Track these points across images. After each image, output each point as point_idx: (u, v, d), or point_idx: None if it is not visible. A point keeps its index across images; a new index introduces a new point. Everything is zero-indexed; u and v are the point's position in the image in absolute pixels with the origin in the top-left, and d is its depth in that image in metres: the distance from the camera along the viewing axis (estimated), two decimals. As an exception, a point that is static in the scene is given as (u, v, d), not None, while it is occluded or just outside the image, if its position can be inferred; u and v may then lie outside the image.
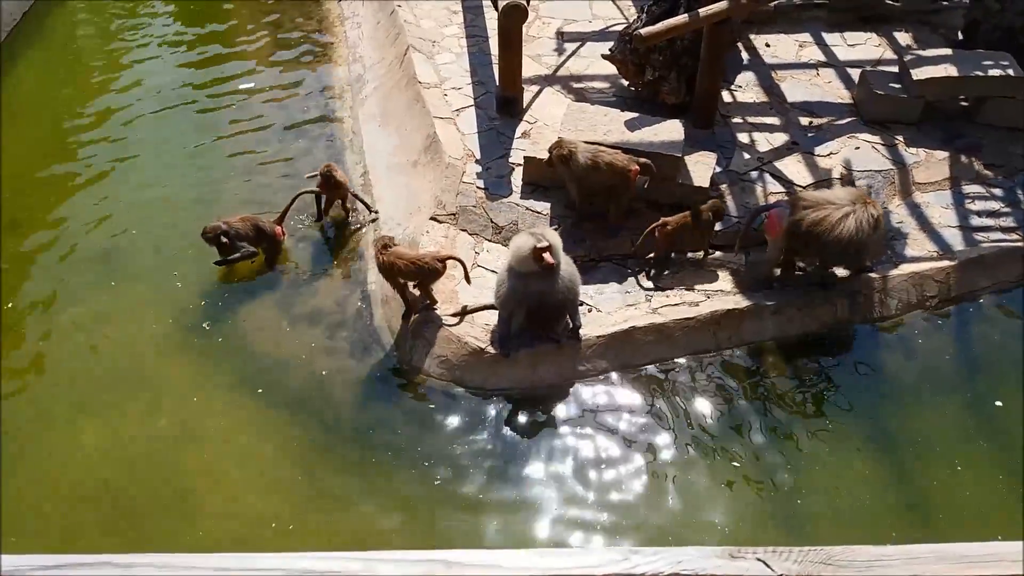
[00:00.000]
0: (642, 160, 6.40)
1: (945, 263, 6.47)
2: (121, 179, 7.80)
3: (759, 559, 1.67)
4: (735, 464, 5.41)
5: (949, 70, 7.39)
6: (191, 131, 8.41)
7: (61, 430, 5.67)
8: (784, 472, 5.37)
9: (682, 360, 6.03)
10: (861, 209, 5.91)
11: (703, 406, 5.76)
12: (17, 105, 8.76)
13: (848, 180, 6.97)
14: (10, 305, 6.49)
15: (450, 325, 6.03)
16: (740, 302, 6.19)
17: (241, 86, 9.03)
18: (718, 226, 6.59)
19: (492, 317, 6.04)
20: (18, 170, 7.87)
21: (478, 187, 6.97)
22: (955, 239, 6.71)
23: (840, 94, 7.99)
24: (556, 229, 6.51)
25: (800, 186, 6.98)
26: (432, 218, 6.74)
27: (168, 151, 8.16)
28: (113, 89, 9.07)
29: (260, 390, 5.90)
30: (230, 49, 9.72)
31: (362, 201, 7.18)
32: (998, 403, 5.73)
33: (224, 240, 6.51)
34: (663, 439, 5.56)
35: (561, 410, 5.77)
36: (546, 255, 5.46)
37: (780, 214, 6.05)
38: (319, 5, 10.53)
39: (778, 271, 6.38)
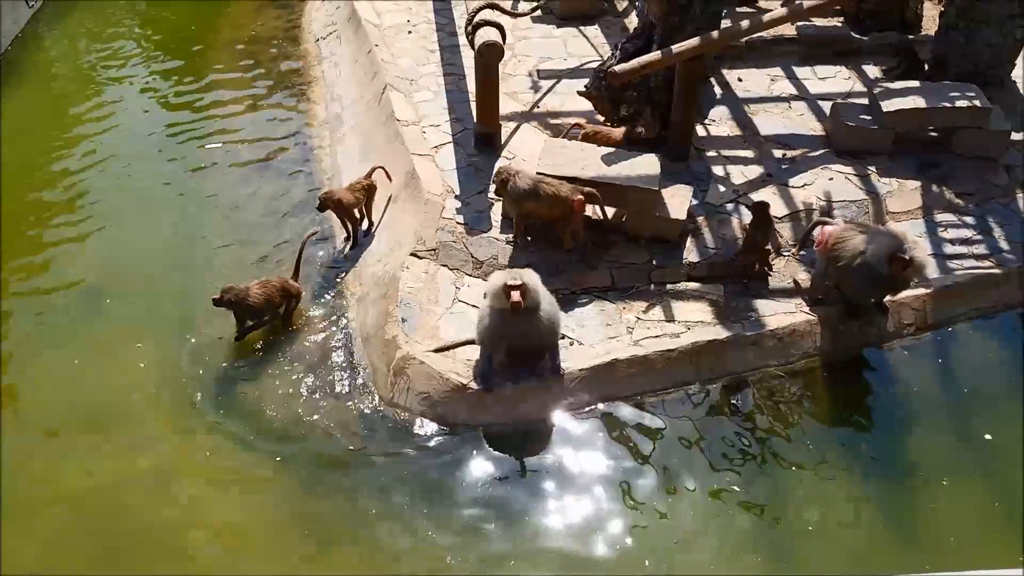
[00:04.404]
0: (586, 190, 6.48)
1: (921, 291, 6.54)
2: (99, 220, 7.76)
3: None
4: (725, 495, 5.39)
5: (917, 102, 7.55)
6: (166, 172, 8.40)
7: (42, 468, 5.58)
8: (771, 499, 5.36)
9: (665, 391, 6.02)
10: (884, 241, 5.86)
11: (687, 436, 5.74)
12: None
13: (826, 211, 7.07)
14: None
15: (430, 362, 5.99)
16: (720, 333, 6.21)
17: (216, 127, 9.05)
18: (695, 257, 6.67)
19: (474, 352, 6.02)
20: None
21: (458, 222, 6.98)
22: (930, 267, 6.78)
23: (812, 126, 8.13)
24: (535, 264, 6.54)
25: (776, 217, 7.06)
26: (412, 254, 6.74)
27: (144, 191, 8.14)
28: (88, 129, 9.07)
29: (240, 430, 5.82)
30: (207, 89, 9.76)
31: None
32: (987, 436, 5.74)
33: (246, 304, 6.28)
34: (648, 472, 5.53)
35: (545, 445, 5.72)
36: (514, 293, 5.45)
37: (830, 230, 6.15)
38: (297, 46, 10.61)
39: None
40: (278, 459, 5.64)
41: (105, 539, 5.21)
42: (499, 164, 6.71)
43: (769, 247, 6.73)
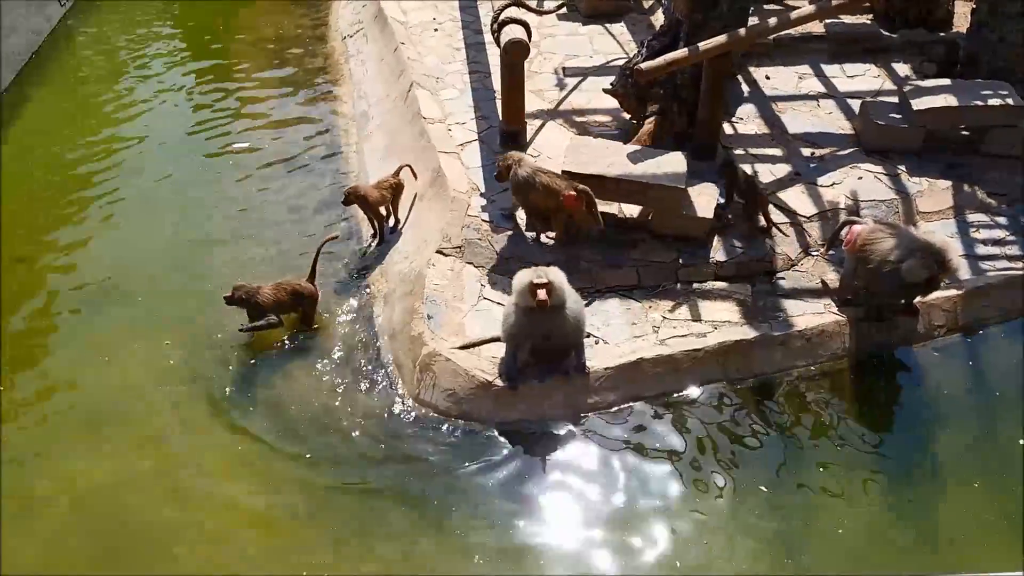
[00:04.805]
0: (580, 187, 6.48)
1: (952, 292, 6.45)
2: (124, 216, 7.85)
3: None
4: (752, 495, 5.35)
5: (948, 100, 7.46)
6: (193, 169, 8.47)
7: (57, 465, 5.64)
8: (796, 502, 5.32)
9: (692, 391, 5.99)
10: (918, 252, 5.76)
11: (715, 438, 5.71)
12: (24, 145, 8.83)
13: (854, 211, 7.00)
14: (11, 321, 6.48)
15: (456, 359, 6.00)
16: (747, 333, 6.17)
17: (243, 125, 9.13)
18: (722, 256, 6.65)
19: (499, 350, 6.02)
20: (22, 209, 7.92)
21: (483, 220, 6.99)
22: (961, 268, 6.70)
23: (841, 125, 8.05)
24: (561, 262, 6.53)
25: (804, 216, 7.01)
26: (438, 251, 6.75)
27: (169, 189, 8.22)
28: (117, 128, 9.16)
29: (265, 425, 5.87)
30: (235, 87, 9.83)
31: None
32: (1022, 442, 5.66)
33: (254, 302, 6.32)
34: (673, 471, 5.51)
35: (570, 443, 5.71)
36: (540, 292, 5.46)
37: (858, 230, 6.10)
38: (324, 44, 10.67)
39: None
40: (307, 456, 5.66)
41: (125, 535, 5.25)
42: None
43: (758, 202, 6.81)
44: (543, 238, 6.84)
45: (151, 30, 11.19)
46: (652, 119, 7.49)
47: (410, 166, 7.44)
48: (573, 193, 6.46)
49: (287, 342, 6.48)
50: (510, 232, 6.90)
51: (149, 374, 6.25)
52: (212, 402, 6.03)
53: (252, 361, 6.34)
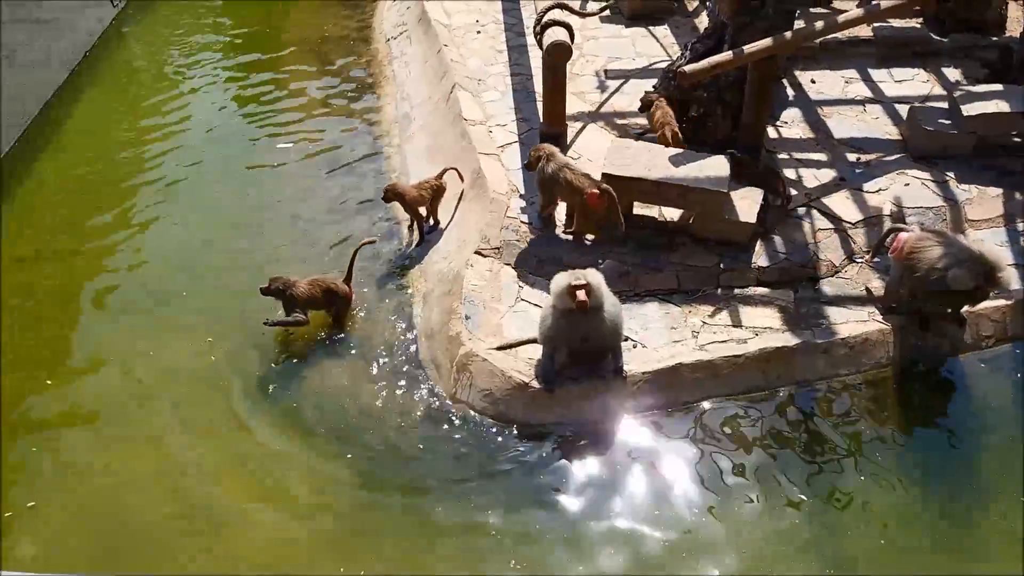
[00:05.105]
0: (603, 186, 6.48)
1: (1001, 302, 6.29)
2: (167, 212, 8.00)
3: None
4: (791, 503, 5.28)
5: (1000, 106, 7.29)
6: (236, 167, 8.60)
7: (105, 457, 5.76)
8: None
9: (731, 397, 5.92)
10: (966, 262, 5.65)
11: (752, 443, 5.64)
12: (74, 143, 9.05)
13: (900, 218, 6.87)
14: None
15: (493, 360, 6.00)
16: (789, 340, 6.08)
17: (286, 124, 9.24)
18: (764, 262, 6.57)
19: (536, 351, 6.01)
20: (69, 205, 8.12)
21: (522, 222, 6.99)
22: (1011, 278, 6.53)
23: (888, 130, 7.91)
24: (599, 264, 6.51)
25: (849, 223, 6.89)
26: (477, 252, 6.77)
27: (212, 186, 8.36)
28: (164, 125, 9.33)
29: (304, 420, 5.94)
30: (279, 87, 9.96)
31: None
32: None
33: (288, 295, 6.40)
34: (710, 478, 5.45)
35: (605, 447, 5.68)
36: (579, 292, 5.44)
37: (905, 237, 6.00)
38: (368, 45, 10.76)
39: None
40: (347, 456, 5.69)
41: (167, 523, 5.35)
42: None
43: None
44: (585, 240, 6.82)
45: (199, 30, 11.38)
46: (656, 105, 7.38)
47: (456, 169, 7.46)
48: (596, 192, 6.46)
49: (327, 340, 6.54)
50: (548, 234, 6.89)
51: (191, 369, 6.35)
52: (253, 399, 6.11)
53: (294, 360, 6.40)
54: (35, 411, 6.10)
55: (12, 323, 6.78)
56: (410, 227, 7.45)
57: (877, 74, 8.73)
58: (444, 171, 7.38)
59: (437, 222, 7.44)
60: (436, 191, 7.29)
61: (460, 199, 7.52)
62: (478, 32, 9.90)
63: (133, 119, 9.55)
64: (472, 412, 5.91)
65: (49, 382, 6.30)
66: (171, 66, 10.57)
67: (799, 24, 7.65)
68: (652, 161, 6.77)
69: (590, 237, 6.80)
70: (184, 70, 10.47)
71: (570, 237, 6.86)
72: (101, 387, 6.28)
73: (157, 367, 6.39)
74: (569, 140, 7.80)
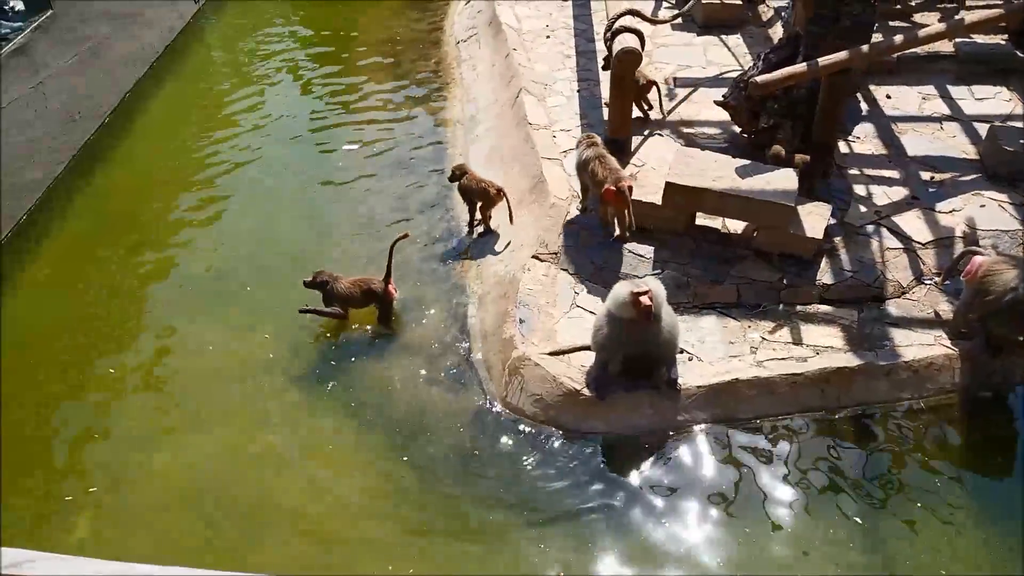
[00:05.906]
0: (621, 184, 6.46)
1: (1080, 332, 6.02)
2: (234, 207, 8.20)
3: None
4: (845, 529, 5.13)
5: (1089, 128, 6.98)
6: (304, 164, 8.77)
7: (167, 444, 5.91)
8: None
9: (788, 416, 5.79)
10: None
11: (808, 465, 5.49)
12: (150, 136, 9.35)
13: (974, 240, 6.63)
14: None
15: (545, 365, 5.98)
16: (851, 360, 5.91)
17: (355, 123, 9.39)
18: (829, 279, 6.40)
19: (588, 358, 5.97)
20: (141, 194, 8.37)
21: (580, 227, 6.95)
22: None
23: (964, 149, 7.65)
24: (659, 274, 6.43)
25: (919, 243, 6.68)
26: (534, 256, 6.76)
27: (279, 183, 8.54)
28: (236, 121, 9.57)
29: (358, 417, 6.00)
30: (349, 86, 10.13)
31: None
32: None
33: (328, 289, 6.57)
34: (761, 498, 5.33)
35: (656, 458, 5.61)
36: (643, 298, 5.37)
37: (980, 260, 5.82)
38: (438, 48, 10.88)
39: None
40: (404, 458, 5.73)
41: (223, 514, 5.44)
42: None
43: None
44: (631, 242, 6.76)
45: (275, 28, 11.66)
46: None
47: (505, 195, 7.28)
48: (612, 188, 6.45)
49: (381, 337, 6.61)
50: (606, 241, 6.85)
51: (250, 365, 6.46)
52: (311, 395, 6.20)
53: (351, 359, 6.48)
54: (95, 396, 6.32)
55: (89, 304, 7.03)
56: (469, 224, 7.47)
57: (956, 91, 8.45)
58: (501, 190, 7.31)
59: (488, 228, 7.43)
60: (495, 194, 7.26)
61: (508, 204, 7.49)
62: (547, 37, 9.91)
63: (206, 113, 9.82)
64: (522, 416, 5.89)
65: (112, 371, 6.50)
66: (246, 62, 10.87)
67: (877, 37, 7.46)
68: (719, 171, 6.66)
69: (648, 248, 6.73)
70: (258, 67, 10.74)
71: (632, 247, 6.79)
72: (166, 372, 6.46)
73: (215, 363, 6.52)
74: (633, 147, 7.74)
